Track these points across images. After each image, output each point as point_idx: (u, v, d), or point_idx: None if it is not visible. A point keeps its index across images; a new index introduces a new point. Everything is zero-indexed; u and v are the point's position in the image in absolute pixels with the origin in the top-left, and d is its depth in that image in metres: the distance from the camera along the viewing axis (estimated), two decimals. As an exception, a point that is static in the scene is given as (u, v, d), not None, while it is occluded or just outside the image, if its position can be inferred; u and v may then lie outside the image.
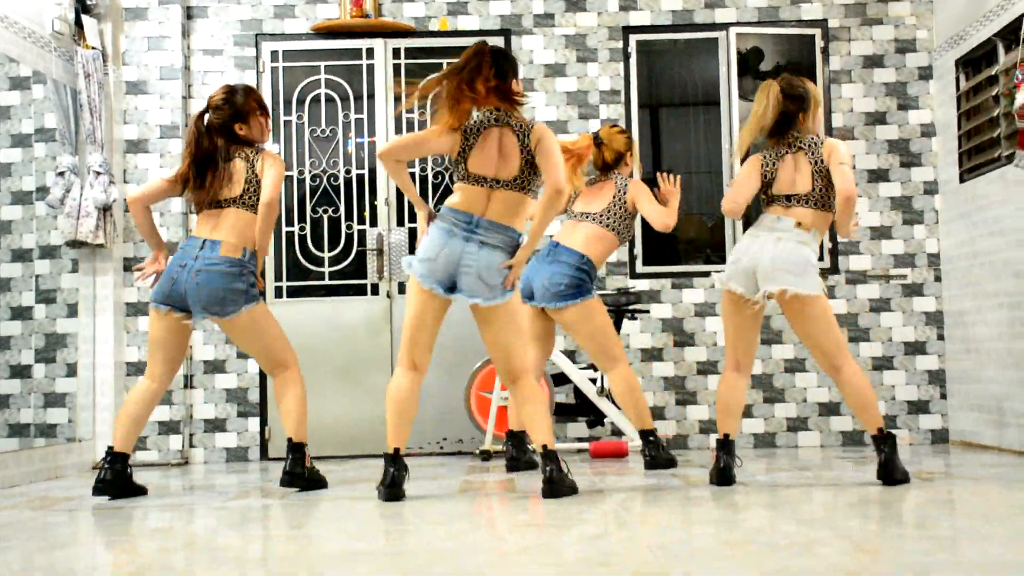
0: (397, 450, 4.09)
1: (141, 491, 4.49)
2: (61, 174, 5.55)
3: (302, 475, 4.44)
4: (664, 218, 5.08)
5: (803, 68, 6.29)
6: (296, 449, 4.43)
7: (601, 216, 5.12)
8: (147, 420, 4.48)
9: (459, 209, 4.09)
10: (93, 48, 5.81)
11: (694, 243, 6.60)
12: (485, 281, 4.01)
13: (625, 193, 5.15)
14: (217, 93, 4.56)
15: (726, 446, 4.27)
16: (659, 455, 5.03)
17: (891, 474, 4.13)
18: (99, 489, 4.34)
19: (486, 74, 4.04)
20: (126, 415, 4.41)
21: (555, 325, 5.19)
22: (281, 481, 4.43)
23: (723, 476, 4.24)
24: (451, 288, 4.07)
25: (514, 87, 4.16)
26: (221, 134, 4.51)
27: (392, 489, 4.05)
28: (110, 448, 4.40)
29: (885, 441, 4.15)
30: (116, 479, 4.36)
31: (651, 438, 5.04)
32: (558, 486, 4.00)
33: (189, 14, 6.33)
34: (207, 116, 4.52)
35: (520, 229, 4.14)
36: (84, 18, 5.82)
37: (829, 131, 6.22)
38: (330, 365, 6.19)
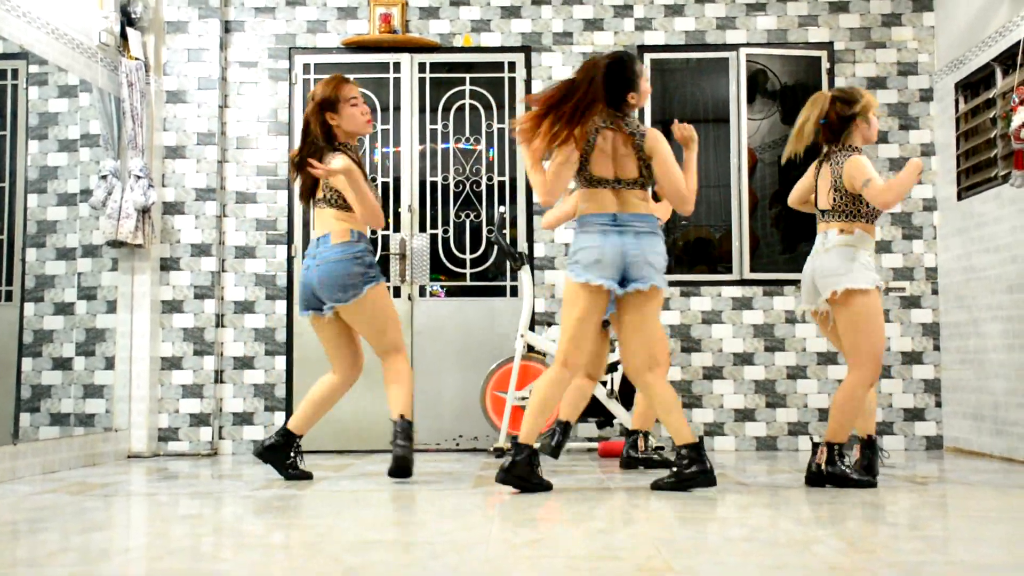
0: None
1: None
2: (104, 177, 5.58)
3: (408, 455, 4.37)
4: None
5: (809, 89, 6.26)
6: (409, 427, 4.38)
7: None
8: (328, 408, 4.56)
9: (597, 212, 4.01)
10: (136, 59, 5.85)
11: (702, 253, 6.57)
12: (653, 264, 3.97)
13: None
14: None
15: (871, 446, 4.35)
16: (637, 456, 4.96)
17: (812, 479, 4.20)
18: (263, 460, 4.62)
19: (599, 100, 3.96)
20: (305, 399, 4.56)
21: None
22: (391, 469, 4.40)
23: (871, 471, 4.30)
24: (622, 283, 3.99)
25: (630, 100, 4.06)
26: (320, 128, 4.44)
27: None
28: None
29: (816, 451, 4.19)
30: (282, 458, 4.54)
31: (634, 437, 4.99)
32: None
33: (227, 28, 6.36)
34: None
35: (647, 212, 4.05)
36: (129, 31, 5.86)
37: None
38: (354, 363, 6.18)
